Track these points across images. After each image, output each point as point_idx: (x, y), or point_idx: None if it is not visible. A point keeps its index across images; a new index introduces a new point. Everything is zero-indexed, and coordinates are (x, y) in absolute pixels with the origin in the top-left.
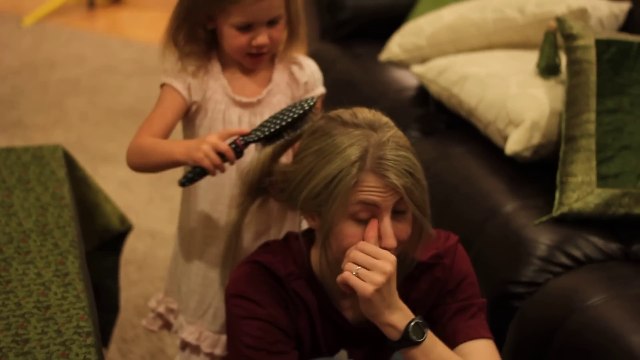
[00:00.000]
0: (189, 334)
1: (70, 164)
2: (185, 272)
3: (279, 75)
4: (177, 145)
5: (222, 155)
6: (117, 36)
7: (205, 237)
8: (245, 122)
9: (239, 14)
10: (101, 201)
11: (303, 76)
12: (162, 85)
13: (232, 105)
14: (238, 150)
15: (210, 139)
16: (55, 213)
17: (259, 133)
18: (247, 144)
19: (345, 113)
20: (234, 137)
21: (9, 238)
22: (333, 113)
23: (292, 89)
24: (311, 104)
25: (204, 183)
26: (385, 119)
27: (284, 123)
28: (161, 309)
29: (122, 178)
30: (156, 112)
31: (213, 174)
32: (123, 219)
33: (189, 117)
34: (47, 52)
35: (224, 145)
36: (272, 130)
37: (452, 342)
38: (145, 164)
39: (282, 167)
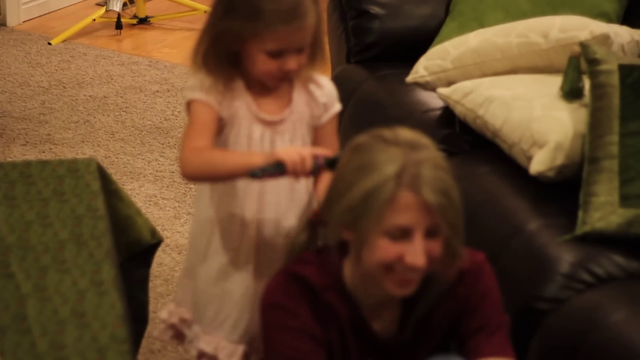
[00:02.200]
0: (207, 344)
1: (104, 177)
2: (200, 283)
3: (299, 94)
4: (252, 155)
5: None
6: (144, 56)
7: (224, 250)
8: (267, 139)
9: (274, 40)
10: (133, 214)
11: (322, 96)
12: (190, 102)
13: (256, 122)
14: (316, 166)
15: (295, 147)
16: (90, 224)
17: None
18: (327, 166)
19: (386, 131)
20: (317, 155)
21: (45, 247)
22: (375, 131)
23: (311, 107)
24: None
25: (229, 190)
26: (426, 140)
27: None
28: (174, 320)
29: (149, 194)
30: (197, 128)
31: (291, 174)
32: (154, 232)
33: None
34: (75, 71)
35: (307, 153)
36: None
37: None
38: (212, 174)
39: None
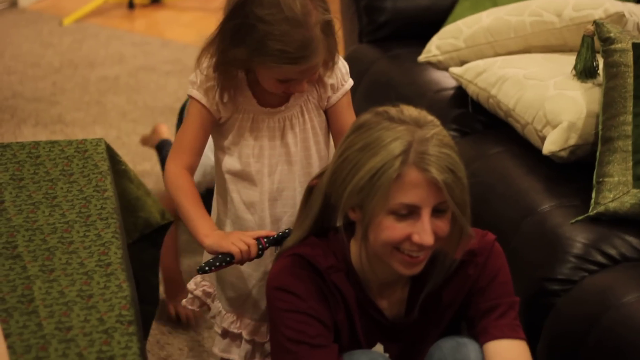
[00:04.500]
0: (230, 323)
1: (112, 157)
2: None
3: None
4: (207, 229)
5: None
6: (156, 36)
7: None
8: (274, 127)
9: (280, 73)
10: (142, 195)
11: (329, 78)
12: (191, 98)
13: (260, 114)
14: (260, 248)
15: (239, 234)
16: (98, 205)
17: (279, 235)
18: (270, 244)
19: (392, 109)
20: (259, 237)
21: (52, 228)
22: (381, 108)
23: (319, 90)
24: None
25: (240, 188)
26: (430, 117)
27: None
28: (198, 292)
29: (160, 174)
30: (189, 132)
31: (238, 262)
32: (164, 213)
33: (219, 124)
34: (87, 51)
35: (251, 240)
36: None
37: (480, 341)
38: (175, 207)
39: (327, 174)
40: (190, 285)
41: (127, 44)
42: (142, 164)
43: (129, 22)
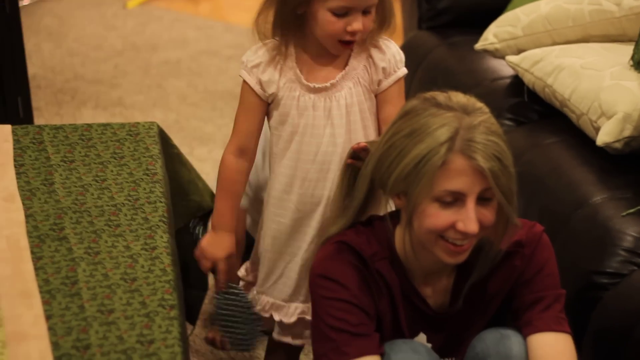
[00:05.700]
0: (259, 305)
1: (165, 141)
2: (257, 245)
3: (357, 59)
4: (216, 226)
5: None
6: (220, 20)
7: (274, 215)
8: (320, 106)
9: None
10: (194, 178)
11: (382, 61)
12: (242, 79)
13: (306, 92)
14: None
15: (220, 256)
16: (147, 188)
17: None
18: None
19: (440, 95)
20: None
21: (100, 211)
22: (428, 94)
23: (370, 72)
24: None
25: (284, 168)
26: (479, 104)
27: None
28: (250, 278)
29: (218, 159)
30: (240, 113)
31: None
32: (214, 197)
33: (268, 104)
34: (150, 34)
35: (222, 275)
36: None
37: (524, 333)
38: None
39: (373, 159)
40: (241, 271)
41: (190, 27)
42: (200, 148)
43: (193, 5)
